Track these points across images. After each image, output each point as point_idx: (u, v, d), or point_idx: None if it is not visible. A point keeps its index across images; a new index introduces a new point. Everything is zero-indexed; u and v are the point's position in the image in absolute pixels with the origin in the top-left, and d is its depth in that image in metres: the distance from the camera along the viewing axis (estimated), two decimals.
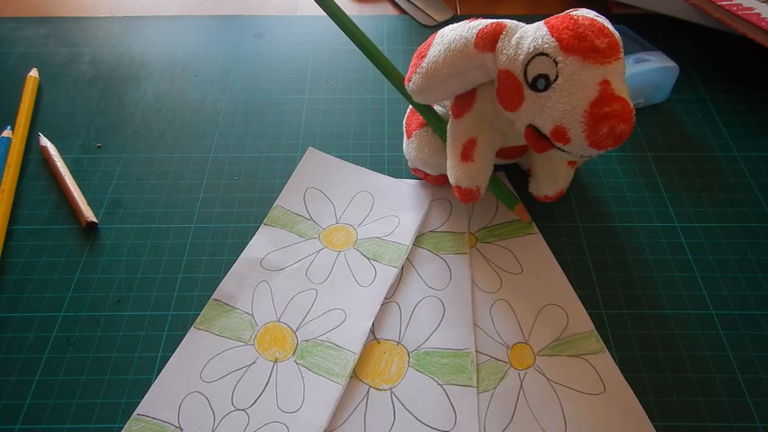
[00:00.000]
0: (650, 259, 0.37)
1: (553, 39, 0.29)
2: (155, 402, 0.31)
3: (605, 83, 0.28)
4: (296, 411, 0.31)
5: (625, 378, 0.32)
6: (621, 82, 0.29)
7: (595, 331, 0.34)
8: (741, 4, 0.45)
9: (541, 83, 0.29)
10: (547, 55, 0.29)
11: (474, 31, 0.31)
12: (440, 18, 0.55)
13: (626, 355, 0.33)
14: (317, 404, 0.31)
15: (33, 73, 0.48)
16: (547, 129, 0.30)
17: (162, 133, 0.45)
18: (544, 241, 0.38)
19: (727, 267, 0.37)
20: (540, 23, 0.30)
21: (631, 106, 0.29)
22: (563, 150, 0.30)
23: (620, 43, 0.29)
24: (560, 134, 0.29)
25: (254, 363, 0.32)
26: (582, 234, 0.39)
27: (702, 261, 0.37)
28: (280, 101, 0.47)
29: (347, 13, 0.38)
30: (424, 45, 0.34)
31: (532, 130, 0.31)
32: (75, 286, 0.36)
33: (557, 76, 0.29)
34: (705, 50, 0.51)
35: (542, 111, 0.29)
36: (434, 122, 0.37)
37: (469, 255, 0.37)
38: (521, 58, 0.30)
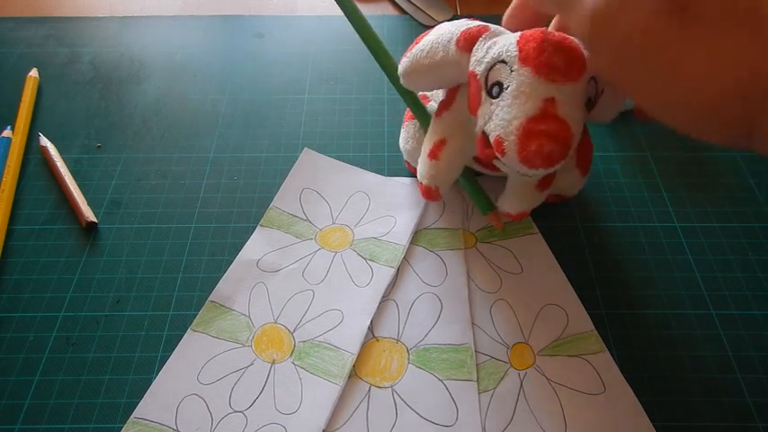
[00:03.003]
0: (650, 259, 0.37)
1: (517, 48, 0.28)
2: (152, 405, 0.31)
3: (551, 101, 0.28)
4: (294, 413, 0.31)
5: (625, 378, 0.32)
6: (572, 106, 0.28)
7: (595, 331, 0.34)
8: None
9: (496, 90, 0.29)
10: (506, 63, 0.29)
11: (461, 29, 0.31)
12: (440, 18, 0.55)
13: (626, 355, 0.33)
14: (315, 405, 0.31)
15: (33, 73, 0.48)
16: (492, 137, 0.29)
17: (162, 133, 0.45)
18: (544, 241, 0.38)
19: (727, 267, 0.37)
20: (518, 33, 0.30)
21: (573, 131, 0.28)
22: (502, 162, 0.30)
23: (586, 70, 0.29)
24: (499, 144, 0.29)
25: (251, 364, 0.32)
26: (582, 234, 0.39)
27: (702, 261, 0.37)
28: (280, 101, 0.47)
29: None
30: (423, 34, 0.35)
31: (483, 137, 0.30)
32: (75, 286, 0.36)
33: (509, 85, 0.28)
34: None
35: (492, 118, 0.29)
36: (416, 112, 0.38)
37: (464, 250, 0.37)
38: (486, 61, 0.30)
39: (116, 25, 0.54)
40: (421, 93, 0.39)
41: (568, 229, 0.39)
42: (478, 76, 0.30)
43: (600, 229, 0.39)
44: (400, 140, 0.40)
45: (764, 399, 0.31)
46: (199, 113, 0.46)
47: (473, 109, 0.31)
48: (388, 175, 0.42)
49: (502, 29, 0.32)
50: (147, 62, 0.51)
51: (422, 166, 0.36)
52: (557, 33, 0.29)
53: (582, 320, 0.34)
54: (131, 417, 0.30)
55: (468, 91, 0.32)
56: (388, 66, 0.38)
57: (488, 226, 0.39)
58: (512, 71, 0.28)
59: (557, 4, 0.29)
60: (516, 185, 0.35)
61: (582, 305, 0.35)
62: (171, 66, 0.50)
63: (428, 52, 0.33)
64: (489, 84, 0.29)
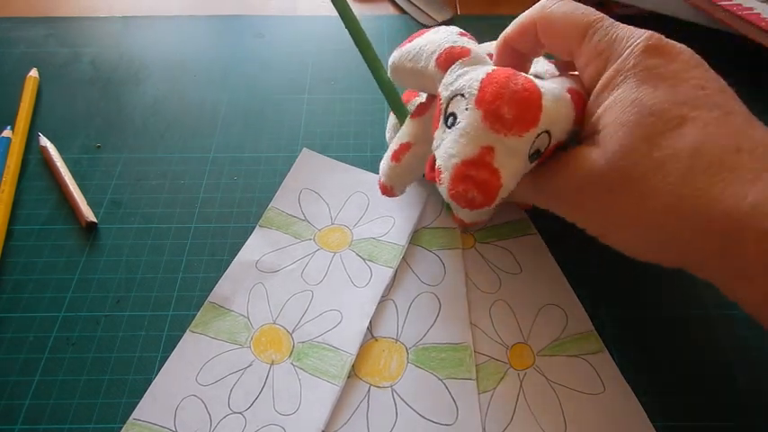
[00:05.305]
0: None
1: (479, 86, 0.28)
2: (151, 407, 0.31)
3: (489, 149, 0.28)
4: (293, 413, 0.31)
5: (625, 378, 0.32)
6: (510, 158, 0.28)
7: (595, 331, 0.34)
8: (741, 4, 0.45)
9: (451, 120, 0.29)
10: (465, 97, 0.29)
11: (446, 46, 0.31)
12: (440, 18, 0.55)
13: (626, 355, 0.33)
14: (315, 406, 0.31)
15: (33, 73, 0.48)
16: (437, 164, 0.30)
17: (162, 133, 0.45)
18: (543, 242, 0.38)
19: None
20: (490, 68, 0.29)
21: (502, 183, 0.28)
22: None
23: (536, 126, 0.28)
24: (438, 173, 0.29)
25: (250, 365, 0.32)
26: (581, 234, 0.38)
27: None
28: (280, 101, 0.47)
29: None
30: (422, 31, 0.35)
31: (433, 159, 0.31)
32: (75, 286, 0.36)
33: (460, 122, 0.28)
34: (705, 50, 0.51)
35: (441, 146, 0.29)
36: (394, 107, 0.38)
37: (462, 250, 0.37)
38: (451, 89, 0.29)
39: (116, 25, 0.54)
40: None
41: (567, 229, 0.39)
42: (441, 102, 0.30)
43: None
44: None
45: (765, 399, 0.31)
46: (199, 113, 0.46)
47: (434, 128, 0.31)
48: None
49: (483, 55, 0.31)
50: (147, 62, 0.51)
51: (383, 163, 0.36)
52: (522, 78, 0.28)
53: (581, 320, 0.34)
54: (130, 418, 0.30)
55: (435, 109, 0.32)
56: (370, 60, 0.37)
57: (487, 226, 0.39)
58: (466, 108, 0.28)
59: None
60: None
61: (581, 305, 0.35)
62: (171, 66, 0.50)
63: (414, 56, 0.33)
64: (447, 113, 0.29)
